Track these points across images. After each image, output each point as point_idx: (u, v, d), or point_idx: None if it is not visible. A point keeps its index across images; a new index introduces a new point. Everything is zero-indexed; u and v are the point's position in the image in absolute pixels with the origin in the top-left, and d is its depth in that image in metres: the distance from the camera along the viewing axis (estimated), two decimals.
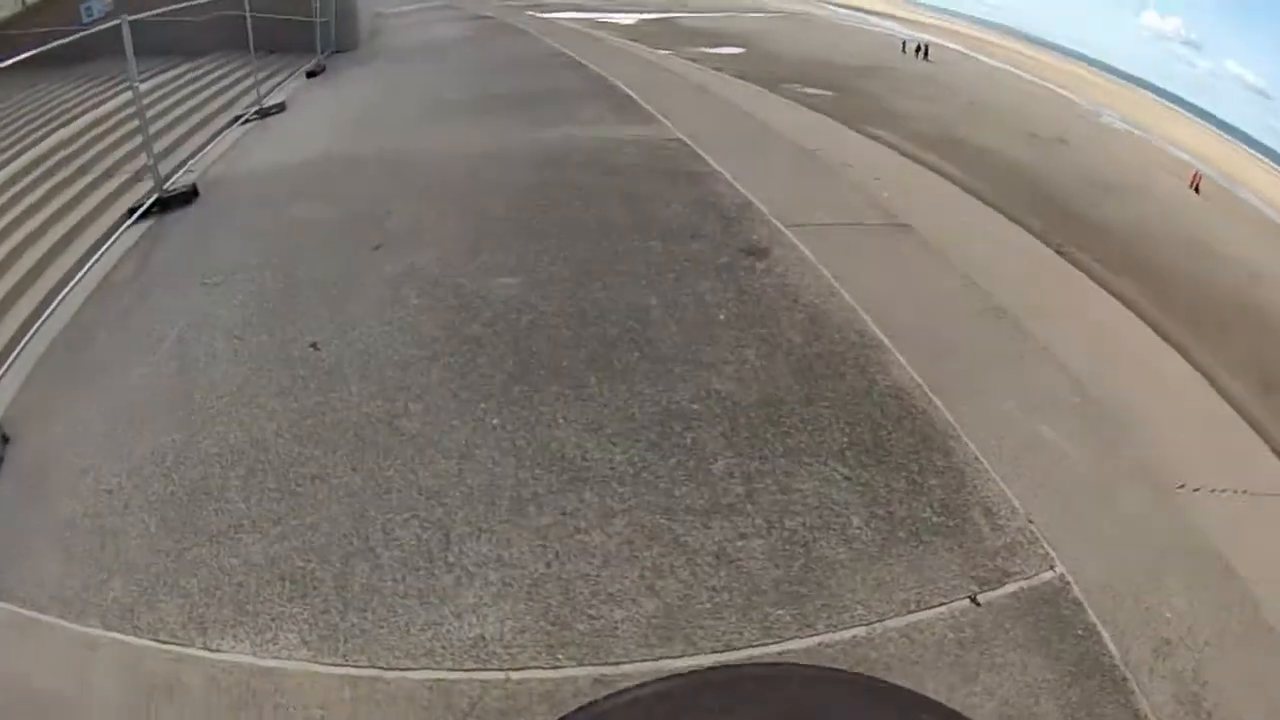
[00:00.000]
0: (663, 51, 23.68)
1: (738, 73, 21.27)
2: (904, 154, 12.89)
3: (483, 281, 4.71)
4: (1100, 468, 3.54)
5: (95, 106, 9.09)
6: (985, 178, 13.58)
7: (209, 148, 7.92)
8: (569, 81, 10.13)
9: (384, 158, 7.09)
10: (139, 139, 6.68)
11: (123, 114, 8.30)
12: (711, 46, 27.97)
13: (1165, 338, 6.39)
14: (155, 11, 8.50)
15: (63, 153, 7.48)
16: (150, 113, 8.72)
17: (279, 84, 10.99)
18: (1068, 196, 14.70)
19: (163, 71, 11.54)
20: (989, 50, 64.53)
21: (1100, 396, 4.13)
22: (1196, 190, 27.75)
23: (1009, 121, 22.43)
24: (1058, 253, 9.77)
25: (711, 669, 1.39)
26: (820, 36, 38.02)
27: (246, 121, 8.79)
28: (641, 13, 41.71)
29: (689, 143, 7.23)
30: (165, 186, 6.46)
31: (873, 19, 66.75)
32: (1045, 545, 2.94)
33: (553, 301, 4.50)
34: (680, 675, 1.25)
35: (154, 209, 6.14)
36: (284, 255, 5.25)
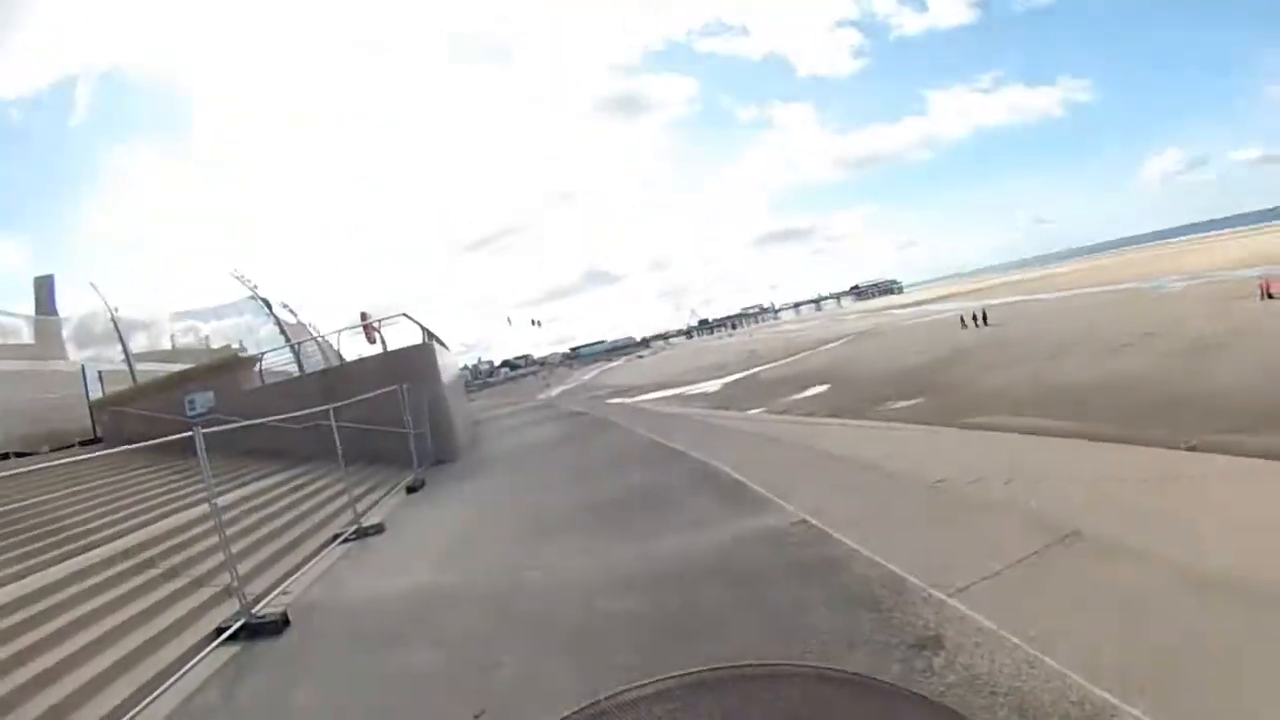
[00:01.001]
0: (753, 411, 24.65)
1: (830, 411, 21.53)
2: (1021, 432, 12.01)
3: None
4: None
5: (191, 506, 9.25)
6: (1094, 413, 13.08)
7: (307, 567, 7.75)
8: (672, 475, 9.82)
9: (489, 590, 6.62)
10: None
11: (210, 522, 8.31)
12: (797, 392, 29.10)
13: None
14: (252, 421, 9.03)
15: (152, 550, 7.44)
16: (245, 522, 8.80)
17: (378, 500, 11.14)
18: (1181, 385, 14.04)
19: (260, 477, 11.99)
20: (1045, 284, 66.45)
21: None
22: (1270, 296, 25.33)
23: (1093, 344, 22.78)
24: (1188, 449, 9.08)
25: (711, 669, 1.36)
26: (890, 346, 40.69)
27: (346, 540, 8.55)
28: (723, 376, 45.33)
29: (812, 521, 6.52)
30: (256, 610, 6.24)
31: (931, 306, 71.33)
32: None
33: None
34: (680, 675, 1.29)
35: (241, 633, 5.89)
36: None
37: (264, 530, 8.68)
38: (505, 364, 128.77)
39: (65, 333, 29.14)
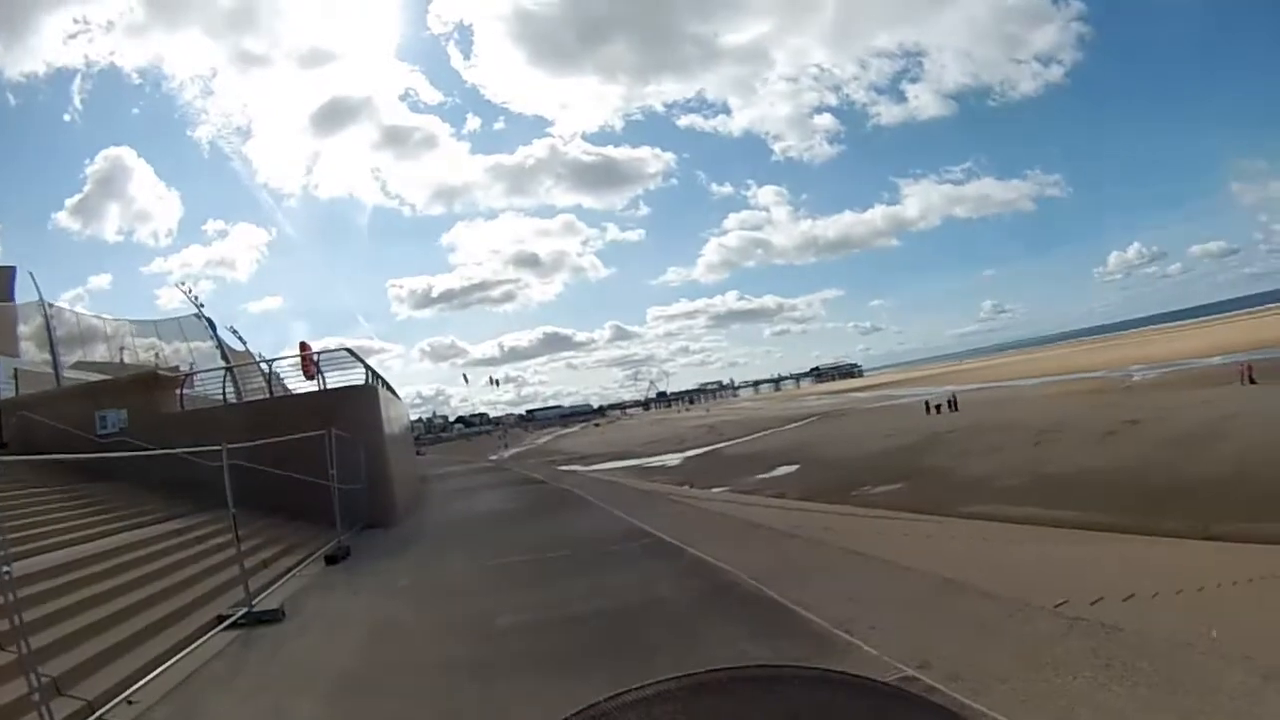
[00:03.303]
0: (716, 490, 23.03)
1: (803, 493, 20.16)
2: (1027, 523, 11.71)
3: None
4: None
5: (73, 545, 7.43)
6: (1099, 503, 12.33)
7: (169, 665, 5.47)
8: (665, 580, 7.21)
9: None
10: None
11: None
12: (764, 471, 27.66)
13: None
14: (141, 452, 7.09)
15: None
16: (112, 582, 6.71)
17: (290, 570, 8.87)
18: (1178, 473, 13.44)
19: (159, 520, 9.63)
20: (1009, 371, 67.14)
21: None
22: (1251, 380, 25.26)
23: (1075, 431, 22.08)
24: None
25: (712, 670, 1.11)
26: (857, 428, 39.23)
27: (231, 625, 6.46)
28: (684, 450, 43.82)
29: (941, 689, 4.07)
30: None
31: (893, 390, 71.53)
32: None
33: None
34: (680, 676, 1.06)
35: None
36: None
37: (132, 596, 6.64)
38: (460, 420, 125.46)
39: (25, 329, 26.71)
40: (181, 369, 19.73)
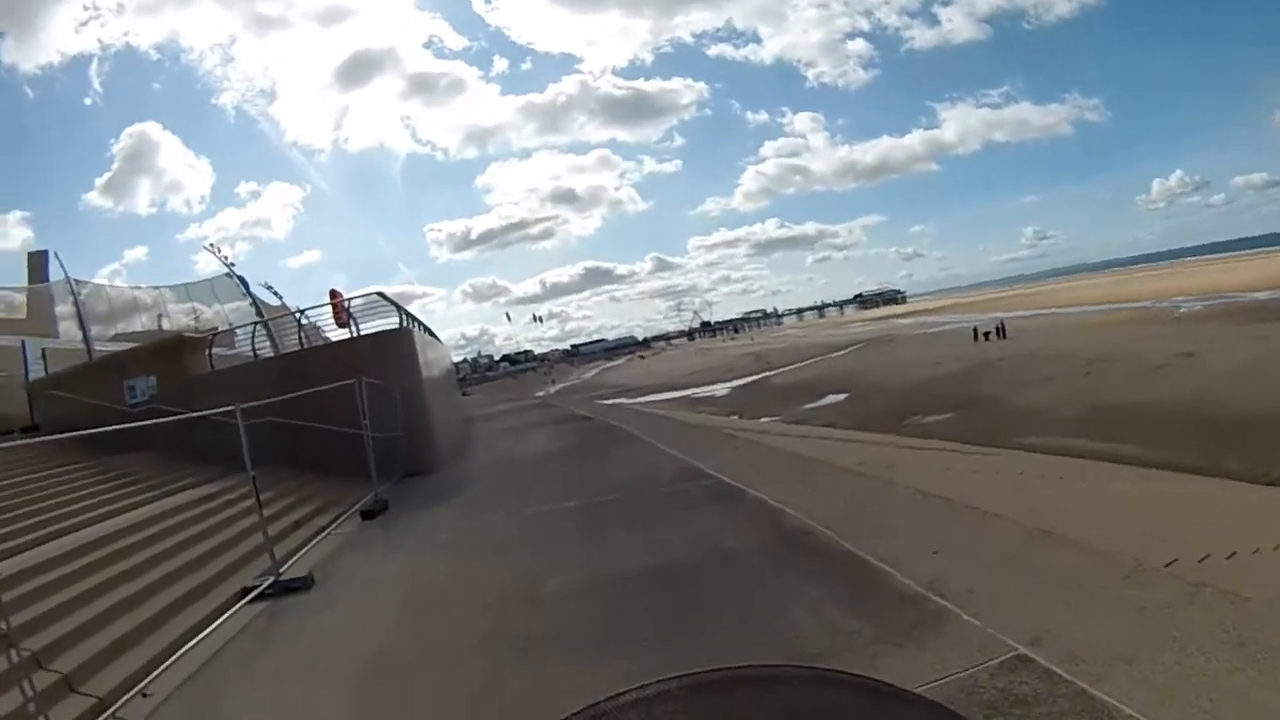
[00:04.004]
0: (765, 420, 22.32)
1: (854, 423, 19.44)
2: (1086, 457, 11.03)
3: None
4: None
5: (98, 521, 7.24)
6: (1157, 438, 11.77)
7: (188, 648, 5.09)
8: (731, 529, 6.49)
9: None
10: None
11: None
12: (813, 400, 26.82)
13: None
14: (169, 418, 6.74)
15: None
16: (132, 560, 6.40)
17: (324, 529, 8.53)
18: (1232, 412, 12.63)
19: (190, 487, 9.43)
20: (1054, 299, 65.17)
21: None
22: None
23: (1125, 362, 21.25)
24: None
25: (712, 670, 1.18)
26: (904, 356, 37.94)
27: (260, 597, 6.07)
28: (730, 380, 43.06)
29: (1062, 674, 3.39)
30: None
31: (936, 318, 69.55)
32: None
33: None
34: (680, 676, 1.13)
35: None
36: None
37: (155, 573, 6.24)
38: (505, 359, 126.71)
39: (64, 309, 27.09)
40: (220, 330, 19.53)
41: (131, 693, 4.50)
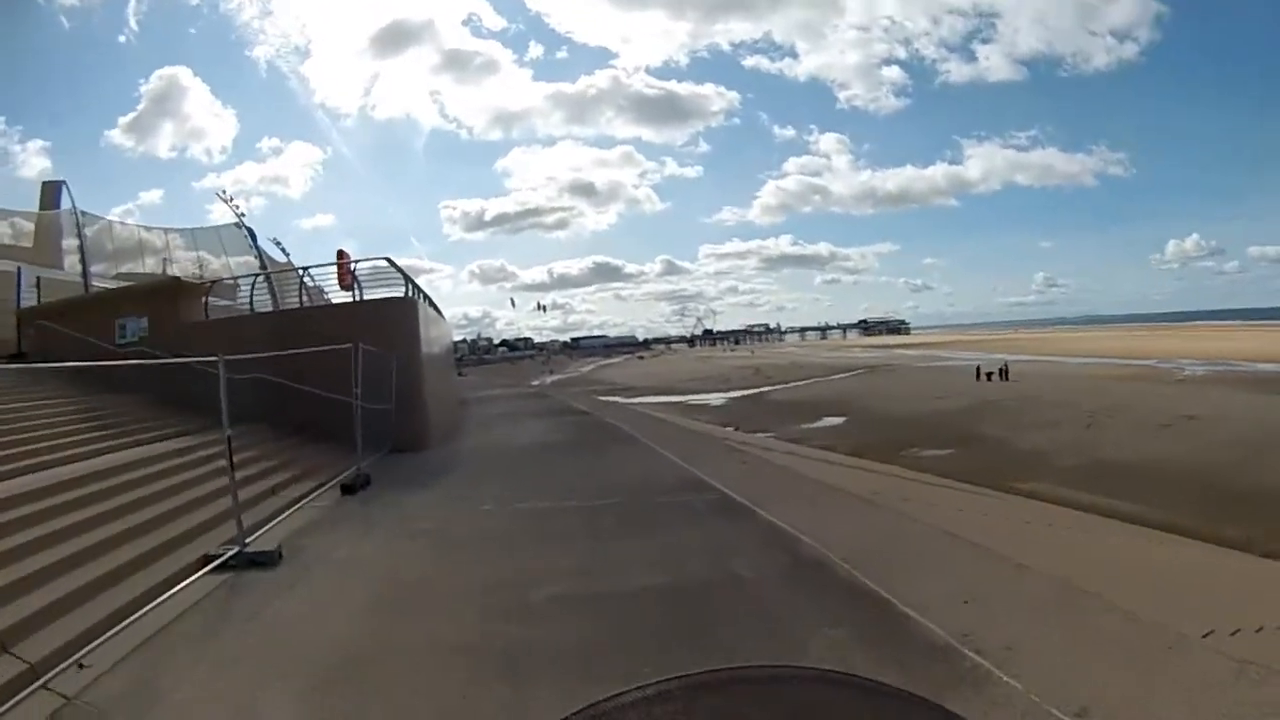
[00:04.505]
0: (760, 435, 21.95)
1: (851, 449, 19.05)
2: (1082, 510, 10.90)
3: None
4: None
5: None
6: (1158, 498, 11.60)
7: (138, 615, 4.68)
8: (738, 552, 6.00)
9: None
10: None
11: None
12: (810, 421, 26.45)
13: None
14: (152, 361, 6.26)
15: None
16: (93, 509, 5.98)
17: (300, 499, 8.07)
18: (1241, 479, 12.62)
19: (167, 437, 9.01)
20: (1058, 348, 65.23)
21: None
22: None
23: (1129, 418, 21.28)
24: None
25: (712, 670, 1.19)
26: (906, 386, 38.13)
27: (220, 565, 5.62)
28: (727, 390, 42.66)
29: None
30: None
31: (940, 352, 69.51)
32: None
33: None
34: (680, 676, 1.14)
35: None
36: None
37: (115, 526, 5.81)
38: (504, 343, 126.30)
39: (69, 243, 26.69)
40: (221, 280, 19.06)
41: (68, 661, 4.08)
